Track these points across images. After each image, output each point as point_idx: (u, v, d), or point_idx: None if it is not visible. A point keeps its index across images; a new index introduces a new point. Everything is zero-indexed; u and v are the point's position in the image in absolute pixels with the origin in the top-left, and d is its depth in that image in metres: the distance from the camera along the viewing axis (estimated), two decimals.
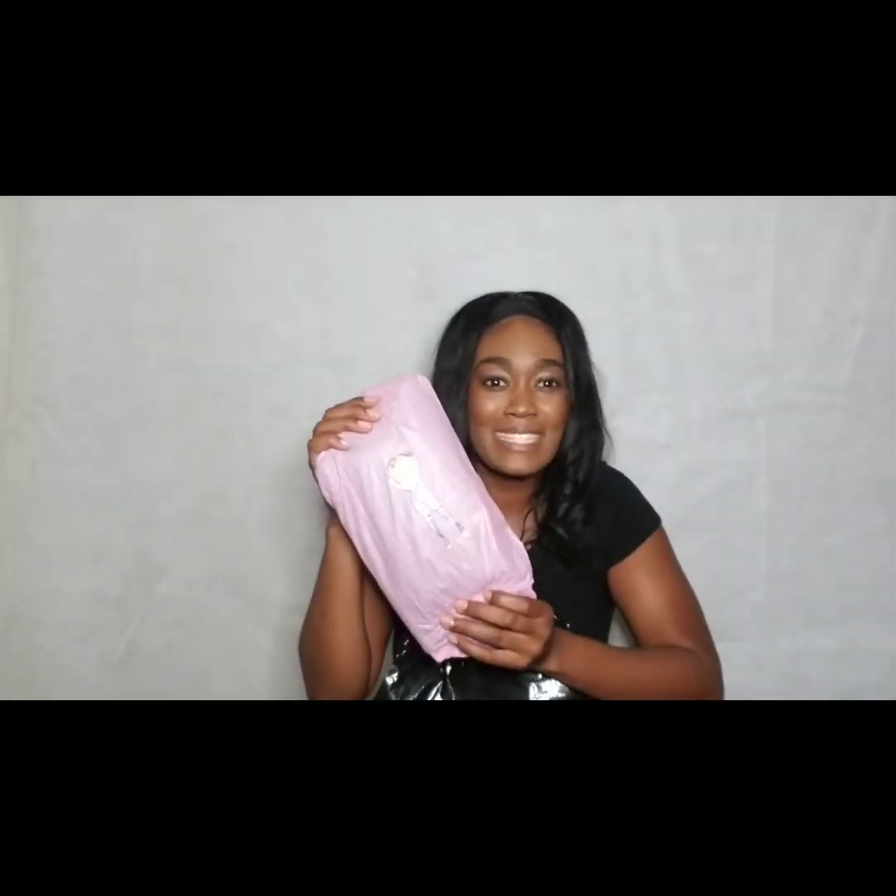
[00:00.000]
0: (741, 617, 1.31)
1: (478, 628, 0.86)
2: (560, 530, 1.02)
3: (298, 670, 1.31)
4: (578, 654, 0.94)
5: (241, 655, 1.33)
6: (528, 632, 0.86)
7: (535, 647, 0.86)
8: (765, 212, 1.24)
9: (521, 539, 0.94)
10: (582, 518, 1.02)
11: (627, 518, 1.07)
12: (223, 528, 1.31)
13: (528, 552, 0.94)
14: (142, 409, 1.28)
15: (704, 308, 1.27)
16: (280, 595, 1.32)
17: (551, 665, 0.91)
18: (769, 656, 1.32)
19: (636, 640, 1.09)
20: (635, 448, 1.27)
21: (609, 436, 1.12)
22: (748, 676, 1.31)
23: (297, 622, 1.31)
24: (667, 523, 1.25)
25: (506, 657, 0.87)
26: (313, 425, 1.27)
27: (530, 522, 1.06)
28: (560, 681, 0.96)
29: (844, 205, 1.23)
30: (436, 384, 1.01)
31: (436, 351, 1.09)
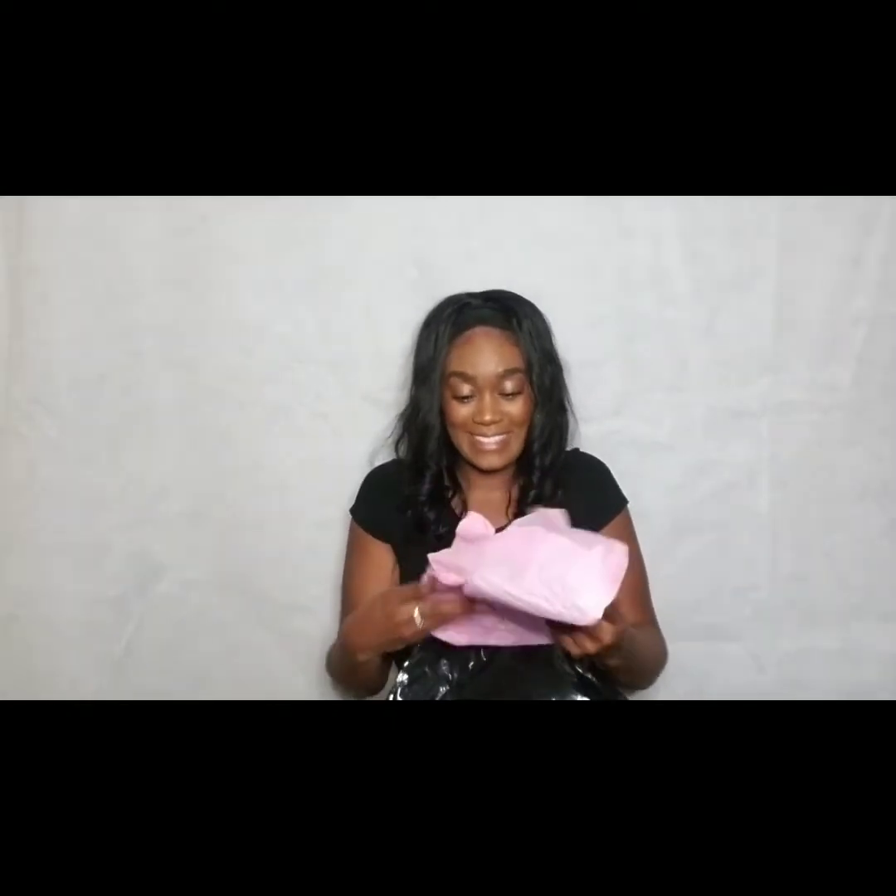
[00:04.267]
0: (742, 616, 1.31)
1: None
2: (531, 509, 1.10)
3: (297, 671, 1.33)
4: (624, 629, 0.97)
5: (240, 656, 1.33)
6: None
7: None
8: (767, 211, 1.24)
9: (504, 522, 1.02)
10: (549, 493, 1.12)
11: (599, 497, 1.16)
12: (223, 528, 1.31)
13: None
14: (142, 409, 1.28)
15: (706, 308, 1.27)
16: (280, 595, 1.32)
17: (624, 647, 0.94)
18: (770, 656, 1.32)
19: None
20: (637, 448, 1.27)
21: (574, 416, 1.16)
22: (749, 676, 1.32)
23: (297, 622, 1.32)
24: (668, 523, 1.26)
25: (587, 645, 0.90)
26: (314, 425, 1.28)
27: (511, 507, 1.15)
28: (614, 655, 0.96)
29: (846, 205, 1.23)
30: (413, 383, 1.13)
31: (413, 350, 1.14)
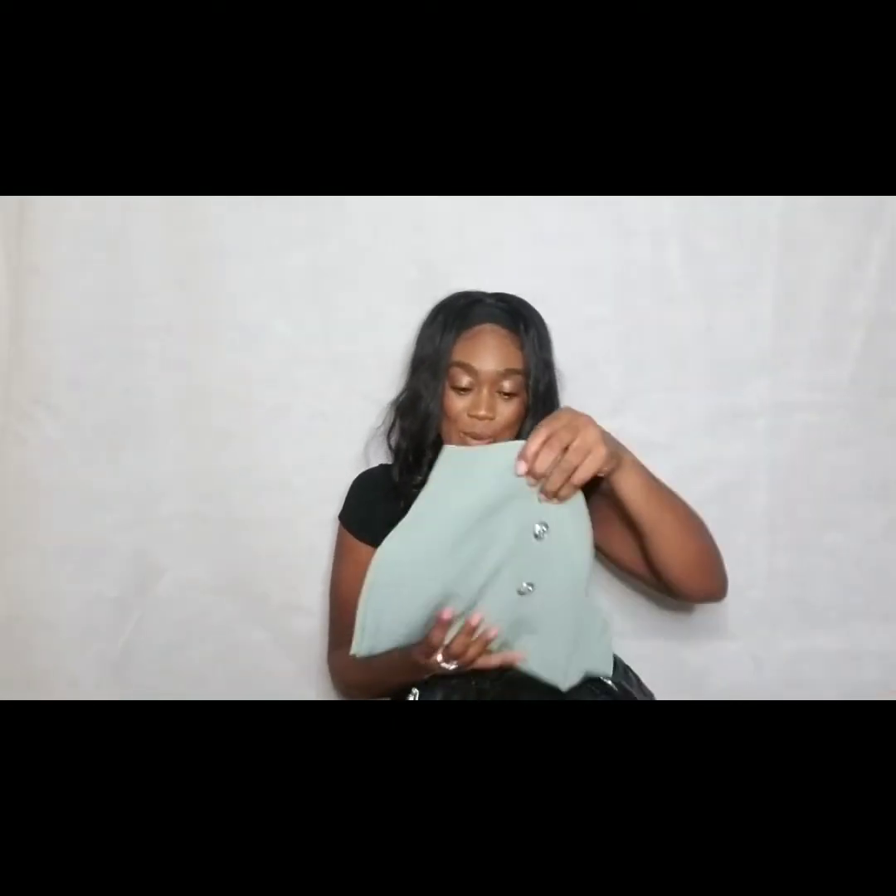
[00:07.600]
0: (741, 616, 1.31)
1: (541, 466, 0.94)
2: None
3: (297, 671, 1.32)
4: (638, 463, 1.02)
5: (240, 656, 1.33)
6: (574, 437, 0.94)
7: (589, 437, 0.95)
8: (767, 211, 1.24)
9: None
10: None
11: None
12: (223, 529, 1.31)
13: None
14: (142, 409, 1.28)
15: (705, 307, 1.27)
16: (280, 595, 1.32)
17: (628, 455, 1.00)
18: (769, 656, 1.32)
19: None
20: (635, 447, 1.25)
21: None
22: (748, 676, 1.32)
23: (297, 623, 1.32)
24: None
25: (588, 464, 0.95)
26: (314, 425, 1.28)
27: None
28: (632, 486, 1.00)
29: (847, 204, 1.23)
30: (413, 371, 1.14)
31: (414, 340, 1.15)
